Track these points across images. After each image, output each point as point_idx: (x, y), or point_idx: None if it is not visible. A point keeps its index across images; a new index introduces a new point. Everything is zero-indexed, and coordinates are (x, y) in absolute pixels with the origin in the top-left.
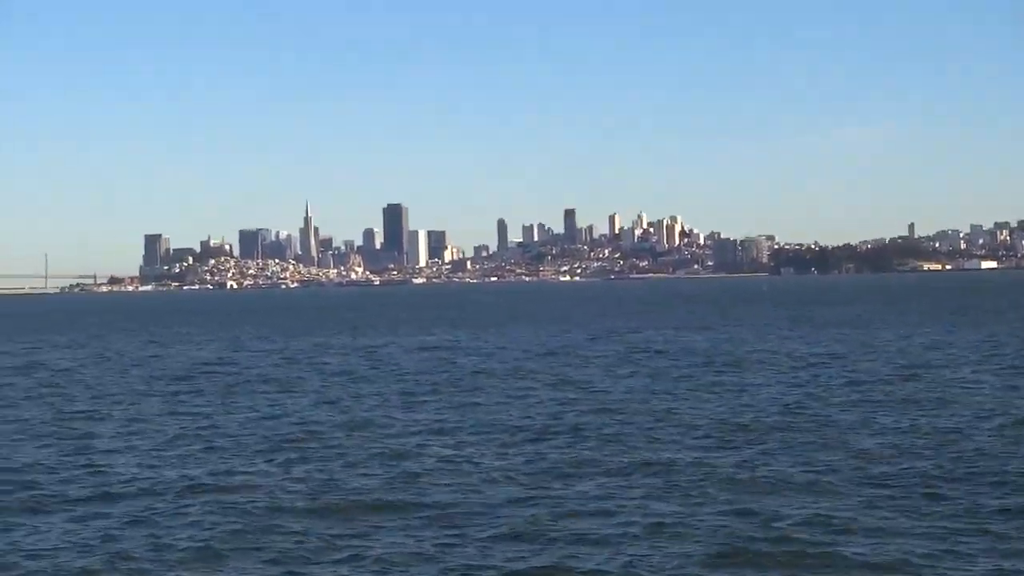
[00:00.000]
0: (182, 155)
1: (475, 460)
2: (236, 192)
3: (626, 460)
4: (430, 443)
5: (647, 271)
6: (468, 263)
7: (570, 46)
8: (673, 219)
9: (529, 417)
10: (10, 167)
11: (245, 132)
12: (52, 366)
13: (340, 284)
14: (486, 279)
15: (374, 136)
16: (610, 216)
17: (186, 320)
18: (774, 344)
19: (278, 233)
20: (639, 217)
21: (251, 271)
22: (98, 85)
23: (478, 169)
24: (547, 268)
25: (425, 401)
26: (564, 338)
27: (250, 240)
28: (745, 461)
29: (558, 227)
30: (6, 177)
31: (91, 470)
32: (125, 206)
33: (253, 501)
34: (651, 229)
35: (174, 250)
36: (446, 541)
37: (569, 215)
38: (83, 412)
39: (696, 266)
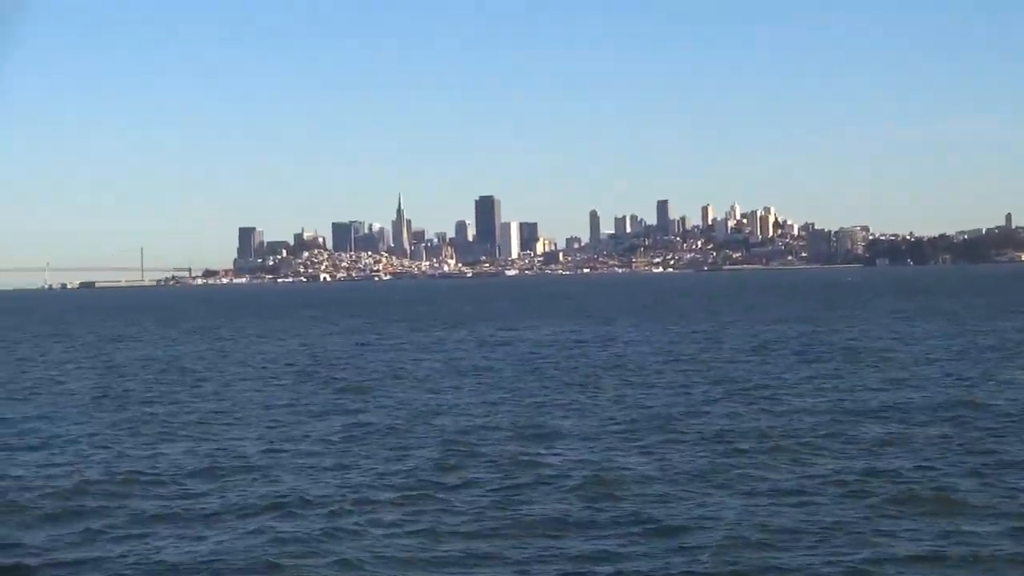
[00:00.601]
0: (275, 147)
1: None
2: (329, 185)
3: None
4: None
5: (740, 263)
6: (560, 255)
7: (660, 36)
8: (767, 210)
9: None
10: (104, 163)
11: (338, 124)
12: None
13: (432, 276)
14: (578, 271)
15: (466, 128)
16: (703, 207)
17: (343, 312)
18: None
19: (371, 225)
20: (732, 208)
21: (344, 264)
22: (196, 77)
23: (570, 160)
24: (639, 260)
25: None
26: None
27: (343, 233)
28: None
29: (650, 218)
30: (102, 173)
31: None
32: (219, 199)
33: None
34: (744, 220)
35: (267, 243)
36: None
37: (662, 206)
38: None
39: (790, 257)
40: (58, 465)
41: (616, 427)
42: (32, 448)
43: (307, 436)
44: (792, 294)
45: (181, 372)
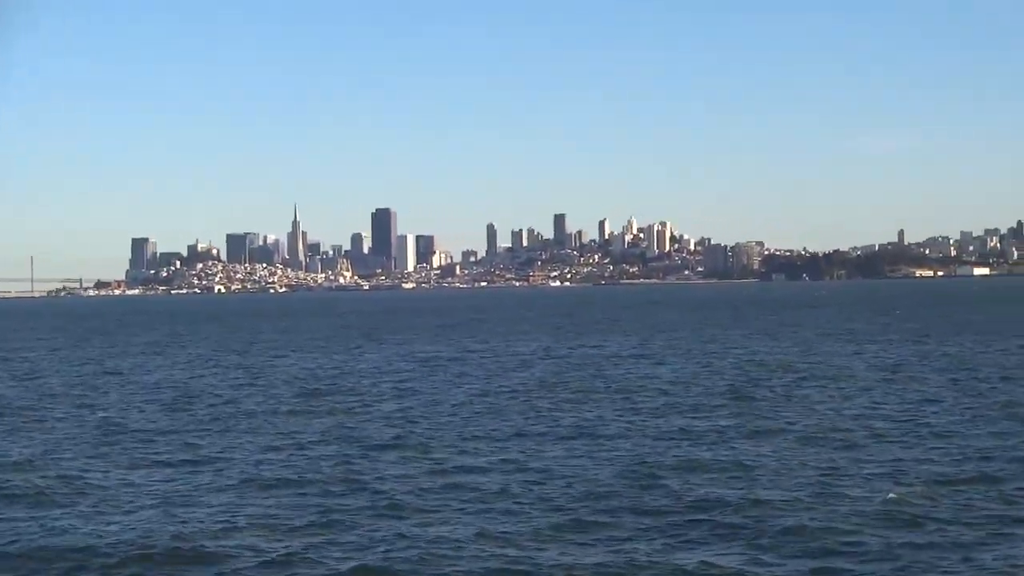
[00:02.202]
0: (168, 158)
1: None
2: (223, 196)
3: None
4: None
5: (637, 277)
6: (457, 268)
7: (559, 50)
8: (663, 225)
9: None
10: None
11: (232, 135)
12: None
13: (329, 289)
14: (476, 284)
15: (362, 140)
16: (600, 221)
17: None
18: None
19: (265, 237)
20: (629, 222)
21: (239, 275)
22: (85, 86)
23: (466, 174)
24: (537, 274)
25: None
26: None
27: (237, 244)
28: None
29: (547, 232)
30: None
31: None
32: (111, 209)
33: None
34: (641, 235)
35: (161, 254)
36: None
37: (558, 220)
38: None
39: (687, 272)
40: None
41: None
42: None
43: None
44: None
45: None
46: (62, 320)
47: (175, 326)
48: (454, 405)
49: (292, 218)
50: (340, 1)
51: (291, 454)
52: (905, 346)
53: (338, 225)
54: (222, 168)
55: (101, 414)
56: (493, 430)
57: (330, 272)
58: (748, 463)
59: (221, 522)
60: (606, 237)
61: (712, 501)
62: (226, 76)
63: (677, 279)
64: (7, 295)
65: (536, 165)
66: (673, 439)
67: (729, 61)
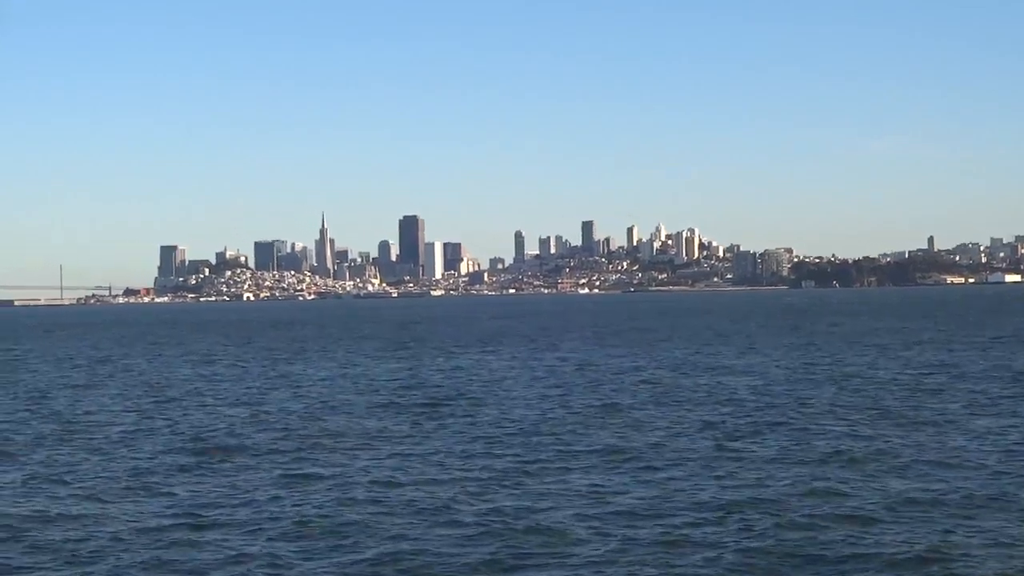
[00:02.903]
0: (197, 166)
1: None
2: (251, 203)
3: None
4: None
5: (666, 284)
6: (485, 275)
7: (588, 57)
8: (691, 231)
9: None
10: (25, 178)
11: (262, 143)
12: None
13: (357, 296)
14: (503, 291)
15: (389, 148)
16: (628, 228)
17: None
18: None
19: (293, 245)
20: (657, 229)
21: (267, 283)
22: (113, 94)
23: (495, 181)
24: (565, 281)
25: None
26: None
27: (265, 252)
28: None
29: (575, 239)
30: (21, 188)
31: None
32: (140, 217)
33: None
34: (669, 241)
35: (189, 262)
36: None
37: (586, 227)
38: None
39: (716, 279)
40: None
41: None
42: None
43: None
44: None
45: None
46: (127, 328)
47: (263, 331)
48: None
49: (320, 226)
50: (368, 8)
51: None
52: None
53: (366, 232)
54: (250, 176)
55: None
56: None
57: (358, 279)
58: None
59: None
60: (634, 244)
61: None
62: (255, 84)
63: (706, 286)
64: (36, 302)
65: (564, 172)
66: None
67: (759, 68)
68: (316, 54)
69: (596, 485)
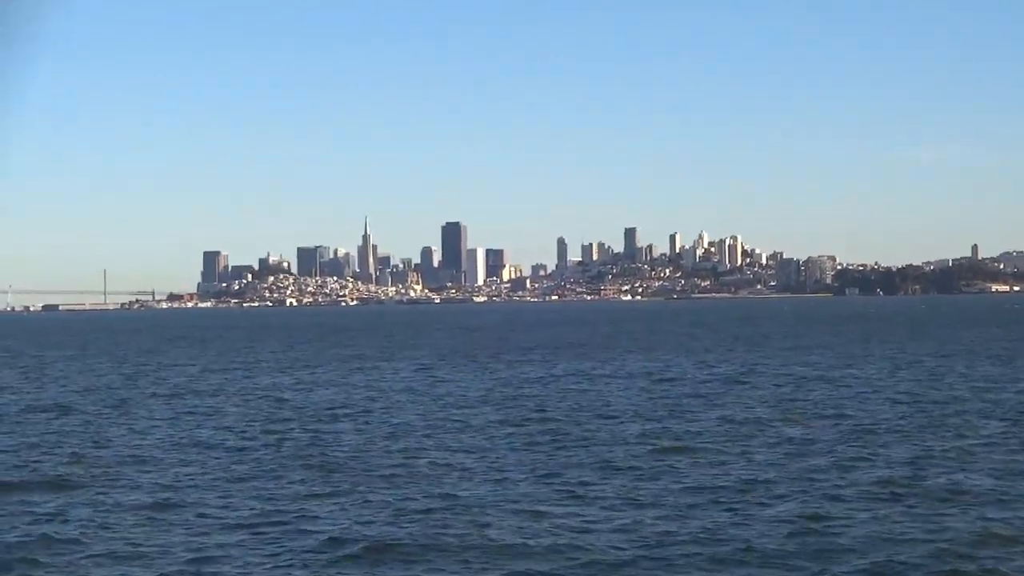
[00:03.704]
0: (240, 171)
1: None
2: (294, 209)
3: None
4: None
5: (709, 291)
6: (527, 282)
7: (632, 65)
8: (734, 239)
9: None
10: (67, 183)
11: (305, 149)
12: None
13: (400, 302)
14: (546, 298)
15: (432, 154)
16: (671, 235)
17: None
18: None
19: (335, 250)
20: (700, 236)
21: (310, 288)
22: (159, 100)
23: (537, 187)
24: (608, 287)
25: None
26: None
27: (308, 257)
28: None
29: (618, 246)
30: (65, 193)
31: None
32: (183, 222)
33: None
34: (712, 248)
35: (232, 267)
36: None
37: (629, 233)
38: None
39: (759, 286)
40: None
41: None
42: None
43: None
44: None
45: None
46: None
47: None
48: None
49: (363, 231)
50: (410, 18)
51: None
52: None
53: (408, 239)
54: (293, 182)
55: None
56: None
57: (400, 285)
58: None
59: None
60: (677, 251)
61: None
62: (299, 91)
63: (749, 293)
64: (81, 307)
65: (606, 178)
66: None
67: (803, 76)
68: (362, 60)
69: None
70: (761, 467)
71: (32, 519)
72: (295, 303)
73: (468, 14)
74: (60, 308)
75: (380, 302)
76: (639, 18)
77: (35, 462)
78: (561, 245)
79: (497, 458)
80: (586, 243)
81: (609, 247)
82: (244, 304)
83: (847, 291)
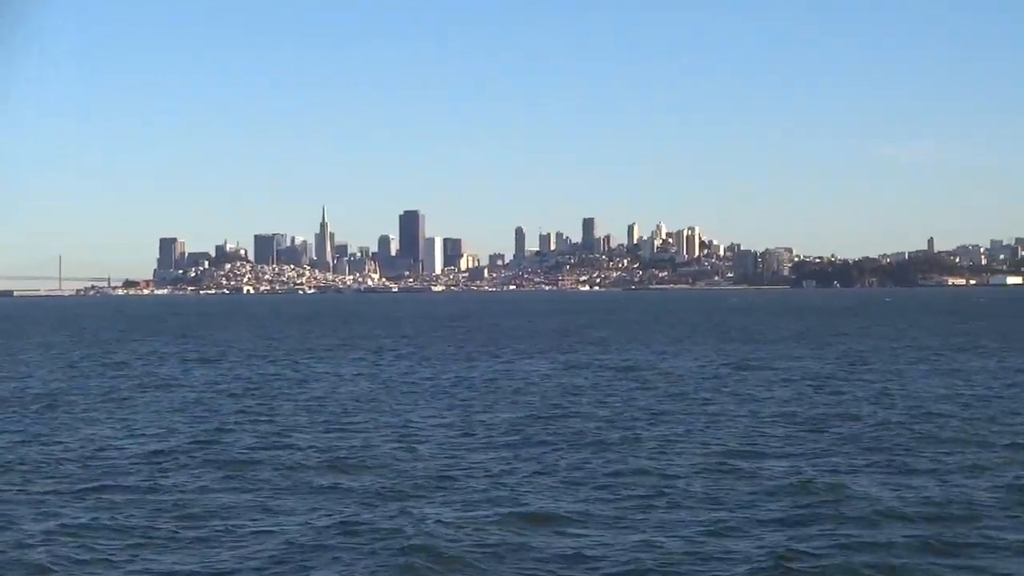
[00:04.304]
0: (197, 158)
1: None
2: (251, 197)
3: None
4: None
5: (667, 282)
6: (485, 271)
7: (589, 54)
8: (692, 230)
9: None
10: (23, 170)
11: (261, 136)
12: None
13: (358, 291)
14: (504, 288)
15: (390, 142)
16: (629, 226)
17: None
18: None
19: (293, 239)
20: (658, 227)
21: (267, 276)
22: (111, 88)
23: (495, 177)
24: (566, 278)
25: None
26: None
27: (265, 245)
28: None
29: (576, 236)
30: (19, 179)
31: None
32: (139, 209)
33: None
34: (670, 239)
35: (189, 254)
36: None
37: (587, 224)
38: None
39: (716, 277)
40: None
41: None
42: None
43: None
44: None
45: None
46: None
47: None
48: None
49: (320, 219)
50: (370, 5)
51: None
52: None
53: (366, 227)
54: (250, 169)
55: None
56: None
57: (358, 274)
58: None
59: None
60: (635, 241)
61: None
62: (254, 78)
63: (707, 284)
64: (36, 293)
65: (564, 169)
66: None
67: (761, 68)
68: (321, 49)
69: None
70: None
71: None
72: (252, 291)
73: (425, 6)
74: (14, 294)
75: (338, 291)
76: (599, 9)
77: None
78: (519, 235)
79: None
80: (544, 233)
81: (567, 237)
82: (200, 292)
83: (804, 283)
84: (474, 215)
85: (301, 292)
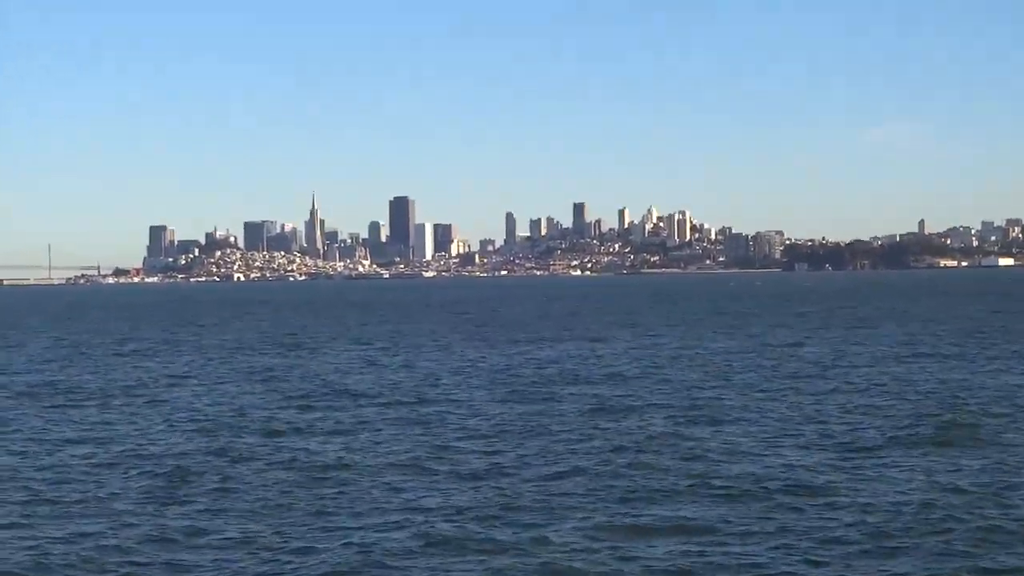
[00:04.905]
0: (186, 146)
1: None
2: (241, 184)
3: None
4: None
5: (658, 266)
6: (476, 257)
7: (579, 38)
8: (683, 213)
9: None
10: (13, 159)
11: (250, 123)
12: None
13: (348, 277)
14: (495, 273)
15: (380, 128)
16: (619, 210)
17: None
18: None
19: (283, 225)
20: (649, 211)
21: (257, 263)
22: (102, 75)
23: (485, 162)
24: (557, 263)
25: None
26: None
27: (255, 232)
28: None
29: (566, 221)
30: (9, 169)
31: None
32: (128, 197)
33: None
34: (661, 223)
35: (179, 242)
36: None
37: (578, 208)
38: None
39: (708, 261)
40: None
41: None
42: None
43: None
44: None
45: None
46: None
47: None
48: None
49: (310, 206)
50: None
51: None
52: None
53: (356, 213)
54: (239, 156)
55: None
56: None
57: (348, 260)
58: None
59: None
60: (626, 226)
61: None
62: (243, 65)
63: (699, 268)
64: (25, 282)
65: (554, 154)
66: None
67: (751, 54)
68: (309, 33)
69: None
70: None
71: None
72: (242, 278)
73: None
74: (4, 283)
75: (328, 277)
76: None
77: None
78: (509, 220)
79: None
80: (535, 218)
81: (558, 222)
82: (191, 279)
83: (796, 266)
84: (464, 201)
85: (292, 279)
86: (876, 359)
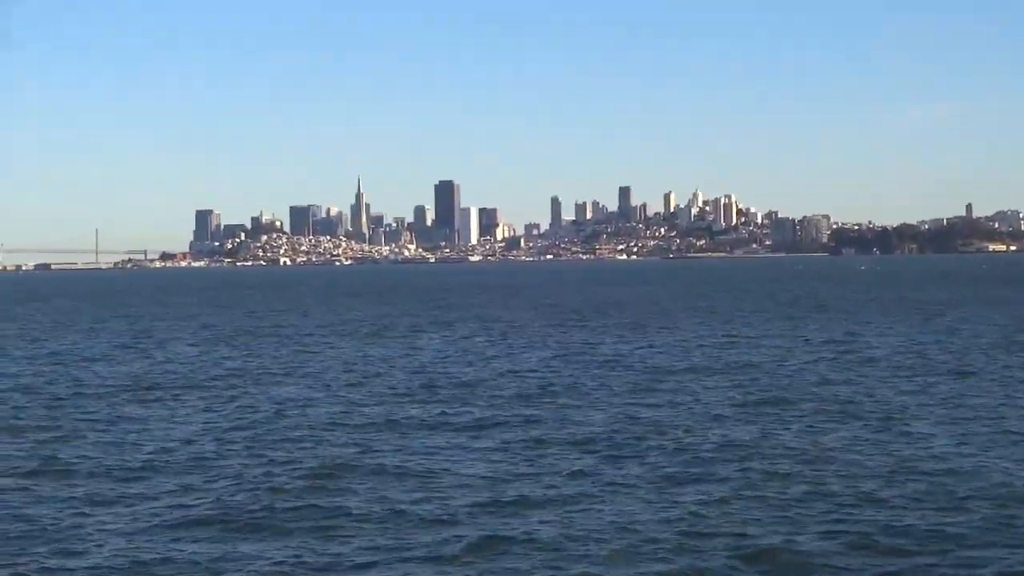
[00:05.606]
0: (232, 130)
1: None
2: (287, 168)
3: None
4: None
5: (704, 250)
6: (521, 241)
7: (625, 20)
8: (728, 197)
9: None
10: (61, 144)
11: (297, 107)
12: None
13: (395, 261)
14: (540, 257)
15: (426, 112)
16: (665, 194)
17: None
18: None
19: (328, 210)
20: (695, 195)
21: (303, 248)
22: (149, 60)
23: (530, 146)
24: (603, 247)
25: None
26: None
27: (301, 216)
28: None
29: (612, 205)
30: (57, 155)
31: None
32: (175, 182)
33: None
34: (707, 207)
35: (225, 226)
36: None
37: (623, 192)
38: None
39: (754, 245)
40: None
41: None
42: None
43: None
44: None
45: None
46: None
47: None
48: None
49: (356, 190)
50: None
51: None
52: None
53: (401, 197)
54: (286, 140)
55: None
56: None
57: (394, 244)
58: None
59: None
60: (671, 210)
61: None
62: (291, 49)
63: (745, 252)
64: (73, 266)
65: (600, 137)
66: None
67: (798, 35)
68: (355, 17)
69: None
70: None
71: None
72: (288, 262)
73: None
74: (52, 267)
75: (375, 261)
76: None
77: None
78: (555, 204)
79: None
80: (580, 202)
81: (603, 206)
82: (238, 263)
83: (844, 251)
84: (509, 185)
85: (338, 263)
86: None
